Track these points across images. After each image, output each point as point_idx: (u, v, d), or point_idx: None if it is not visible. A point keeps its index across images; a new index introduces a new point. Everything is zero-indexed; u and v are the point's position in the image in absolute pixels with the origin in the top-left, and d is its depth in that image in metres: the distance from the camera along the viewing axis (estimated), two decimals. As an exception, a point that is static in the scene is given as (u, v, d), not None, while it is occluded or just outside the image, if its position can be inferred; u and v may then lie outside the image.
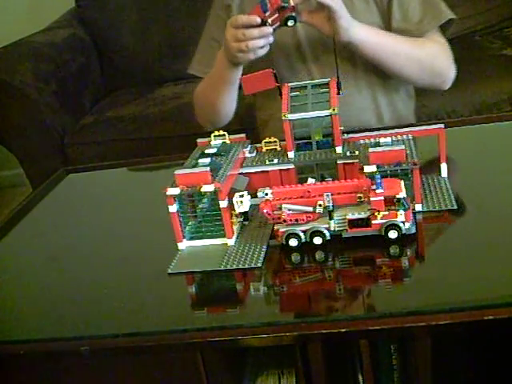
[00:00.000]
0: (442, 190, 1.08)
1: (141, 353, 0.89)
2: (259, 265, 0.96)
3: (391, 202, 0.94)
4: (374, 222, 0.95)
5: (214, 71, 1.46)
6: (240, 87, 1.39)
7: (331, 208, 0.96)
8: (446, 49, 1.45)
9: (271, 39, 1.28)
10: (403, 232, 0.95)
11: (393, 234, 0.95)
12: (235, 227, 1.04)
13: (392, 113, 1.51)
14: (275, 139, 1.17)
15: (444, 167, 1.11)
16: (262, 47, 1.28)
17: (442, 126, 1.10)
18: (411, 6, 1.42)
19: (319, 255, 0.97)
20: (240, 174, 1.12)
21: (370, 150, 1.01)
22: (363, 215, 0.95)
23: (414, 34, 1.42)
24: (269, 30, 1.27)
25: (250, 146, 1.18)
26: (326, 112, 1.08)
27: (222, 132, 1.20)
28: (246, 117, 1.78)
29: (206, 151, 1.13)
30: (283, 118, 1.09)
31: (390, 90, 1.49)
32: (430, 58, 1.43)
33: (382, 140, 1.07)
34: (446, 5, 1.45)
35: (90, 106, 2.65)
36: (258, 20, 1.26)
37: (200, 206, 1.07)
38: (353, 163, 1.07)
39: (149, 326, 0.88)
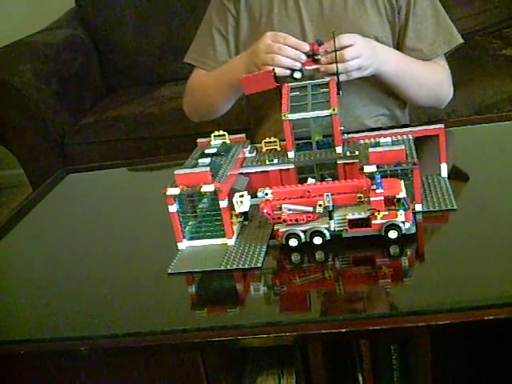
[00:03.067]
0: (442, 190, 1.08)
1: (141, 353, 0.89)
2: (259, 265, 0.96)
3: (391, 202, 0.94)
4: (373, 222, 0.95)
5: (222, 73, 1.43)
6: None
7: (331, 208, 0.96)
8: (449, 75, 1.48)
9: (298, 65, 1.25)
10: (403, 232, 0.95)
11: (393, 234, 0.95)
12: (235, 227, 1.04)
13: (390, 119, 1.51)
14: (275, 139, 1.17)
15: (444, 167, 1.11)
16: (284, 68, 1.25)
17: (442, 125, 1.10)
18: (424, 26, 1.43)
19: (319, 255, 0.97)
20: (240, 174, 1.12)
21: (370, 150, 1.01)
22: (363, 215, 0.95)
23: (425, 54, 1.44)
24: (302, 56, 1.24)
25: (249, 145, 1.18)
26: (326, 112, 1.08)
27: (222, 132, 1.20)
28: (247, 117, 1.78)
29: (206, 151, 1.13)
30: (283, 118, 1.09)
31: (388, 97, 1.50)
32: (437, 86, 1.47)
33: (381, 140, 1.07)
34: (450, 7, 1.47)
35: (90, 106, 2.65)
36: (307, 47, 1.24)
37: (200, 206, 1.07)
38: (353, 163, 1.07)
39: (149, 326, 0.88)
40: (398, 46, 1.46)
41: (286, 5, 1.44)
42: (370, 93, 1.46)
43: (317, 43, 1.25)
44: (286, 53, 1.25)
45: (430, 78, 1.45)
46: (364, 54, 1.26)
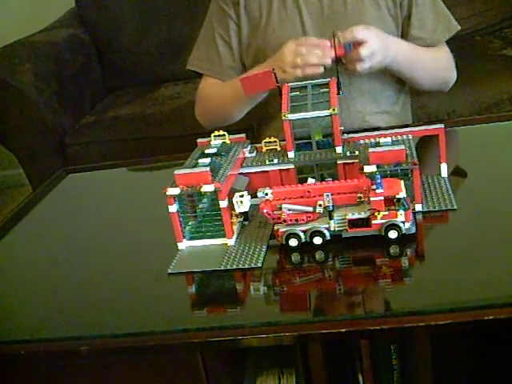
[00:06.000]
0: (442, 190, 1.08)
1: (141, 353, 0.89)
2: (259, 265, 0.96)
3: (391, 202, 0.94)
4: (373, 222, 0.95)
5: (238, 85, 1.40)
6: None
7: (331, 208, 0.96)
8: (452, 59, 1.51)
9: (328, 61, 1.26)
10: (403, 232, 0.95)
11: (393, 234, 0.95)
12: (235, 227, 1.04)
13: (391, 116, 1.51)
14: (275, 139, 1.17)
15: (444, 167, 1.12)
16: (310, 68, 1.27)
17: (442, 125, 1.10)
18: (425, 15, 1.46)
19: (319, 255, 0.97)
20: (240, 174, 1.12)
21: (370, 150, 1.01)
22: (363, 215, 0.95)
23: (428, 42, 1.46)
24: (331, 54, 1.26)
25: (249, 145, 1.18)
26: (326, 112, 1.08)
27: (222, 132, 1.20)
28: (246, 117, 1.78)
29: (206, 151, 1.13)
30: (283, 118, 1.09)
31: (390, 94, 1.50)
32: (442, 71, 1.51)
33: (382, 140, 1.07)
34: (450, 7, 1.51)
35: (90, 105, 2.65)
36: (328, 44, 1.26)
37: (200, 206, 1.07)
38: (353, 163, 1.07)
39: (149, 326, 0.88)
40: (403, 36, 1.47)
41: (285, 3, 1.44)
42: (372, 89, 1.46)
43: (344, 48, 1.27)
44: (313, 51, 1.26)
45: (435, 64, 1.49)
46: (377, 55, 1.29)
